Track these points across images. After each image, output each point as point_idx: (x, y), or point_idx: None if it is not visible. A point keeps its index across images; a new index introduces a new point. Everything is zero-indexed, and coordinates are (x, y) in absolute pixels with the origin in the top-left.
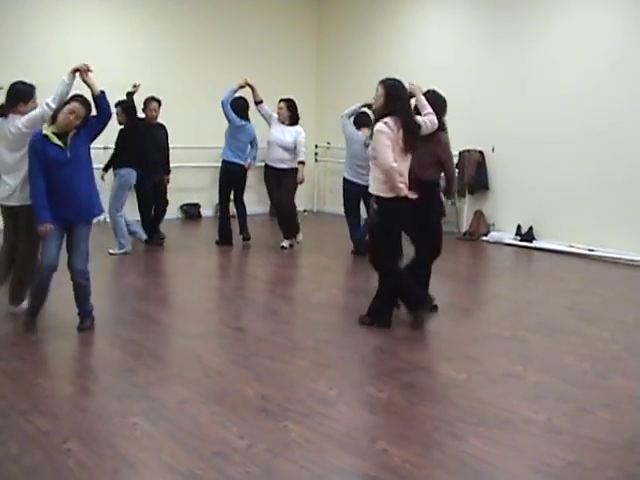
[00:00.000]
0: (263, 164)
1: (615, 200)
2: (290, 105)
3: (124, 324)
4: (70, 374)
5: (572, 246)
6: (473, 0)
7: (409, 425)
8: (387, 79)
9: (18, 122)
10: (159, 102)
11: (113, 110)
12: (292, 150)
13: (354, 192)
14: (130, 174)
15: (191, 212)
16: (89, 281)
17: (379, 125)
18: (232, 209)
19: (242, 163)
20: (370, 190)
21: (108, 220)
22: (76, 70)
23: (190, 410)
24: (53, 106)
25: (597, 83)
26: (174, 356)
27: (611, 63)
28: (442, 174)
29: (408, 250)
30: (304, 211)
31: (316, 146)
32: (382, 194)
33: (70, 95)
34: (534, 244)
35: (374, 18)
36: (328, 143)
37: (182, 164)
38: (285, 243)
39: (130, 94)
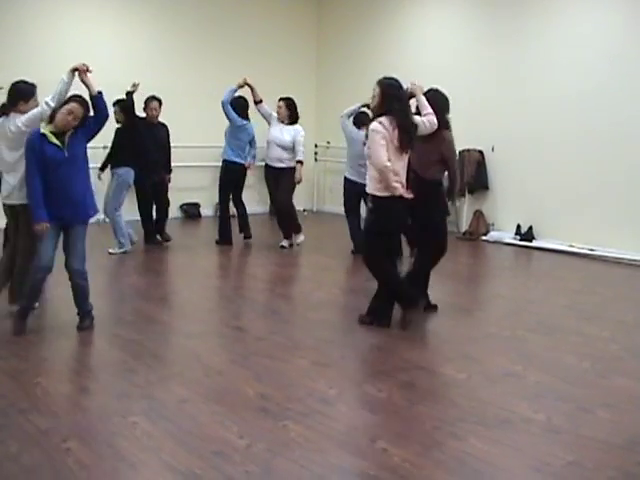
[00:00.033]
0: (263, 164)
1: (615, 200)
2: (289, 104)
3: (124, 323)
4: (70, 373)
5: (572, 246)
6: (473, 0)
7: (409, 424)
8: (384, 78)
9: (18, 121)
10: (160, 101)
11: (110, 110)
12: (291, 149)
13: (355, 191)
14: (128, 173)
15: (191, 211)
16: (87, 281)
17: (374, 124)
18: (232, 209)
19: (243, 162)
20: (366, 189)
21: (107, 220)
22: (75, 69)
23: (190, 409)
24: (52, 105)
25: (597, 83)
26: (174, 356)
27: (611, 63)
28: (445, 174)
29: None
30: (304, 211)
31: (316, 145)
32: (377, 193)
33: (69, 95)
34: (534, 244)
35: (374, 18)
36: (328, 142)
37: (182, 164)
38: (285, 243)
39: (130, 93)
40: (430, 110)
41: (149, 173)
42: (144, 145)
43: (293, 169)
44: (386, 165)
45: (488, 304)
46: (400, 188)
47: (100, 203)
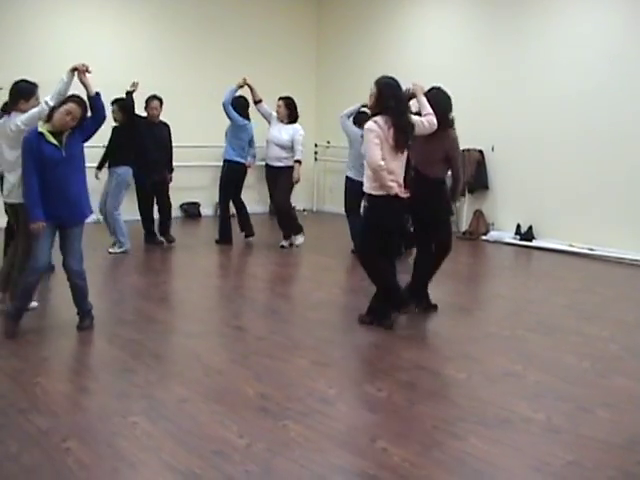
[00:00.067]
0: (264, 163)
1: (615, 200)
2: (288, 103)
3: (124, 323)
4: (70, 373)
5: (572, 245)
6: (473, 0)
7: (409, 424)
8: (382, 77)
9: (17, 120)
10: (161, 100)
11: (108, 110)
12: (289, 148)
13: (356, 191)
14: (126, 172)
15: (191, 211)
16: (85, 280)
17: (369, 124)
18: (231, 209)
19: (244, 162)
20: (363, 188)
21: (102, 220)
22: (75, 69)
23: (190, 409)
24: (51, 104)
25: (597, 83)
26: (174, 355)
27: (611, 63)
28: (448, 172)
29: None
30: (304, 210)
31: (316, 145)
32: (372, 192)
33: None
34: (534, 243)
35: (374, 18)
36: (328, 142)
37: (182, 163)
38: (285, 242)
39: (129, 93)
40: (430, 111)
41: (149, 172)
42: (144, 144)
43: (291, 168)
44: (379, 164)
45: (488, 304)
46: (395, 187)
47: (95, 203)
